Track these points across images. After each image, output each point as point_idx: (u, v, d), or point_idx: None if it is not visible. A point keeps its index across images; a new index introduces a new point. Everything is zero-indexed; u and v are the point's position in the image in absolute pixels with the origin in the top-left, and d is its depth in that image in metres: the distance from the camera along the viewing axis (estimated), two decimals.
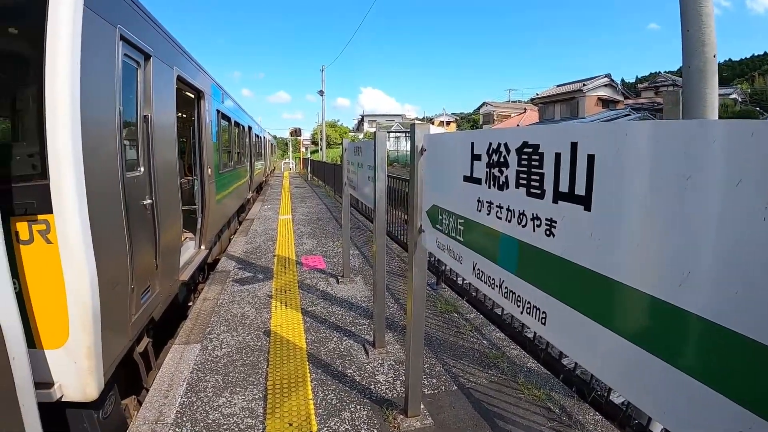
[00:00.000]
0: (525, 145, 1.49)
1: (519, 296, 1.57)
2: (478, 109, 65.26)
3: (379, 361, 3.72)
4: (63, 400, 2.58)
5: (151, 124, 3.91)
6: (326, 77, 29.05)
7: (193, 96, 6.30)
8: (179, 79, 4.96)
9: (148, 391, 3.47)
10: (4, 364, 1.80)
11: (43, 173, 2.43)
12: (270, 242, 8.47)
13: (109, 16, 2.98)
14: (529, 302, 1.50)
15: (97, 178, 2.75)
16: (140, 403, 3.49)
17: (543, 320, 1.43)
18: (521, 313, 1.55)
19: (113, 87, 3.10)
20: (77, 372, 2.55)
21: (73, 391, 2.59)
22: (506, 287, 1.65)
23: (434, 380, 3.43)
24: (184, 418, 3.03)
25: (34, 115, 2.47)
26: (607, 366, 1.18)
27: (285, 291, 5.57)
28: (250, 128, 14.03)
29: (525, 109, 49.48)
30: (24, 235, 2.42)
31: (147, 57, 3.84)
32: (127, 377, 3.56)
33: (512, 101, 65.22)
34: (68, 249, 2.48)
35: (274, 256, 7.40)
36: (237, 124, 10.69)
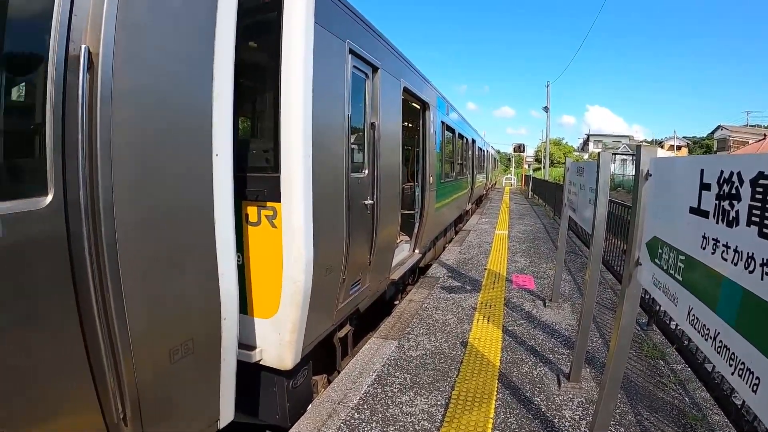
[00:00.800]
0: (761, 175, 1.29)
1: (733, 354, 1.37)
2: (712, 133, 58.16)
3: (570, 396, 3.42)
4: (261, 363, 2.96)
5: (377, 131, 4.25)
6: (551, 93, 27.36)
7: (418, 107, 6.69)
8: (405, 90, 5.29)
9: (339, 373, 3.74)
10: (215, 323, 2.14)
11: (276, 167, 2.83)
12: (482, 255, 8.34)
13: (338, 31, 3.34)
14: (743, 362, 1.31)
15: (324, 175, 3.07)
16: (329, 382, 3.80)
17: (754, 387, 1.23)
18: (732, 373, 1.36)
19: (342, 95, 3.45)
20: (279, 342, 2.89)
21: (272, 358, 2.94)
22: (720, 340, 1.45)
23: (622, 429, 3.04)
24: (365, 406, 3.16)
25: (270, 117, 2.92)
26: None
27: (490, 306, 5.39)
28: (473, 141, 14.19)
29: (765, 135, 40.78)
30: (253, 217, 2.88)
31: (375, 69, 4.19)
32: (324, 357, 3.90)
33: (751, 125, 55.97)
34: (290, 234, 2.82)
35: (485, 269, 7.27)
36: (460, 136, 10.94)
